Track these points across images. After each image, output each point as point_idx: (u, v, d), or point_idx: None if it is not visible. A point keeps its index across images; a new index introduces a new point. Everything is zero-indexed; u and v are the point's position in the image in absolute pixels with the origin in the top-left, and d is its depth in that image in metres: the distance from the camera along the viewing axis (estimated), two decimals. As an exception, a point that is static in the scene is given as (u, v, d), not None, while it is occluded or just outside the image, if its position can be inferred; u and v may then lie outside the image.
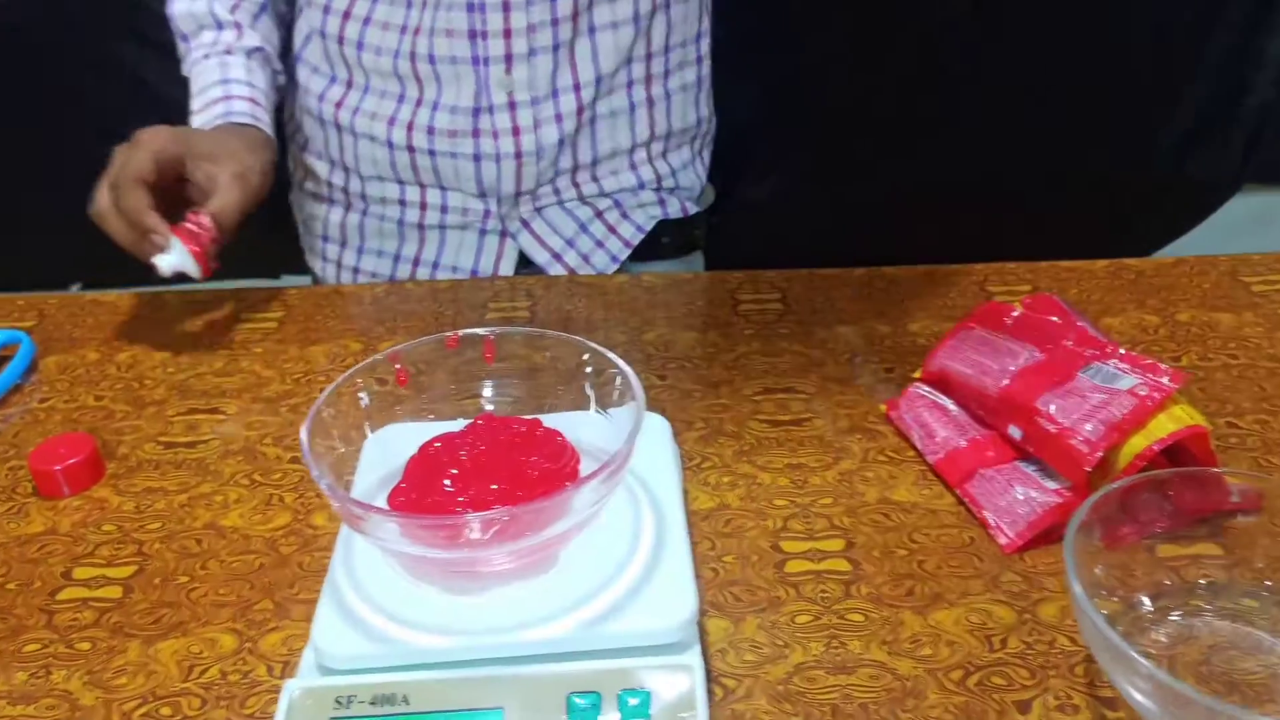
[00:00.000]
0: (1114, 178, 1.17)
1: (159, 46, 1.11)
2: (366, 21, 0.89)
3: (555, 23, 0.86)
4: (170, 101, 0.97)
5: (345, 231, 0.97)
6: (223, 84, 0.86)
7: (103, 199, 0.75)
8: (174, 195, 0.77)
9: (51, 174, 1.33)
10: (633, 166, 0.96)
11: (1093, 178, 1.18)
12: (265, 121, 0.85)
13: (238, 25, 0.89)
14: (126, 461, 0.66)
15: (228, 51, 0.88)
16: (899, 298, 0.81)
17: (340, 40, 0.90)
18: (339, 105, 0.93)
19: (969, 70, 1.11)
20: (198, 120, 0.85)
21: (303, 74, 0.95)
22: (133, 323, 0.81)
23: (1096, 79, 1.11)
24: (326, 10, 0.90)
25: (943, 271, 0.84)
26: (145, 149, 0.74)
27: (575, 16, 0.87)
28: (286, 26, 0.96)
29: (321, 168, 0.97)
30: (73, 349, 0.77)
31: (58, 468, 0.62)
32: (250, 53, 0.89)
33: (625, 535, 0.52)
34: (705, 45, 0.98)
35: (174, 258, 0.73)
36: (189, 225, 0.74)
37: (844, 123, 1.16)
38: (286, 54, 0.96)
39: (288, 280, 1.20)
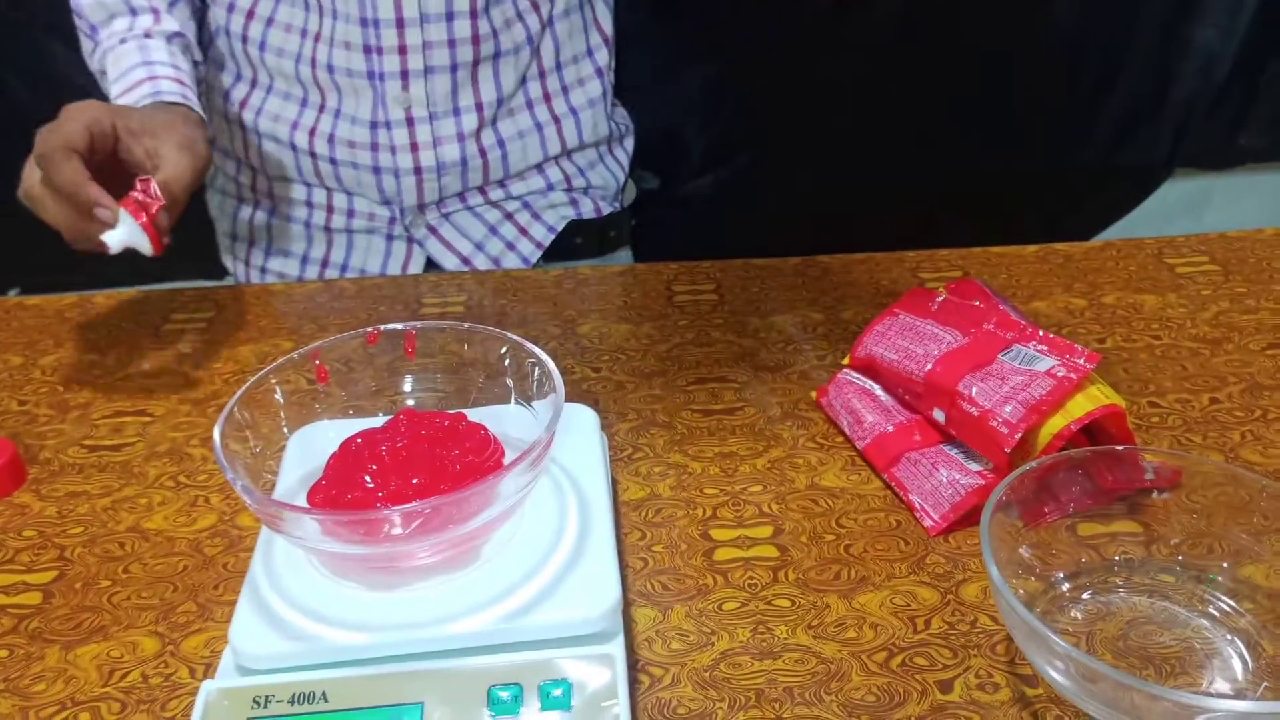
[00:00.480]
0: (1048, 168, 1.19)
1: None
2: (269, 23, 0.88)
3: (452, 44, 0.86)
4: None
5: (254, 230, 0.97)
6: (145, 65, 0.79)
7: (30, 177, 0.67)
8: (109, 174, 0.68)
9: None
10: (540, 171, 0.96)
11: (1026, 168, 1.20)
12: (196, 103, 0.79)
13: (154, 10, 0.83)
14: (49, 466, 0.64)
15: (146, 35, 0.82)
16: (832, 286, 0.81)
17: (244, 39, 0.89)
18: (243, 104, 0.92)
19: (903, 66, 1.12)
20: (121, 100, 0.77)
21: (211, 72, 0.94)
22: (59, 326, 0.79)
23: (1027, 72, 1.13)
24: (231, 9, 0.89)
25: (875, 259, 0.84)
26: (75, 119, 0.66)
27: (475, 41, 0.87)
28: (200, 19, 0.94)
29: (229, 165, 0.97)
30: (-4, 353, 0.76)
31: (-23, 474, 0.61)
32: (170, 37, 0.83)
33: (550, 527, 0.52)
34: (603, 58, 0.98)
35: (122, 233, 0.65)
36: (136, 195, 0.66)
37: (776, 120, 1.17)
38: (202, 46, 0.94)
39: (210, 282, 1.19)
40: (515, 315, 0.79)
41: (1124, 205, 1.29)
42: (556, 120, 0.94)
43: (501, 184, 0.95)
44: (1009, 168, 1.20)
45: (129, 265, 1.37)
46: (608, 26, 0.98)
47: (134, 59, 0.80)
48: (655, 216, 1.09)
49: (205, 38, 0.95)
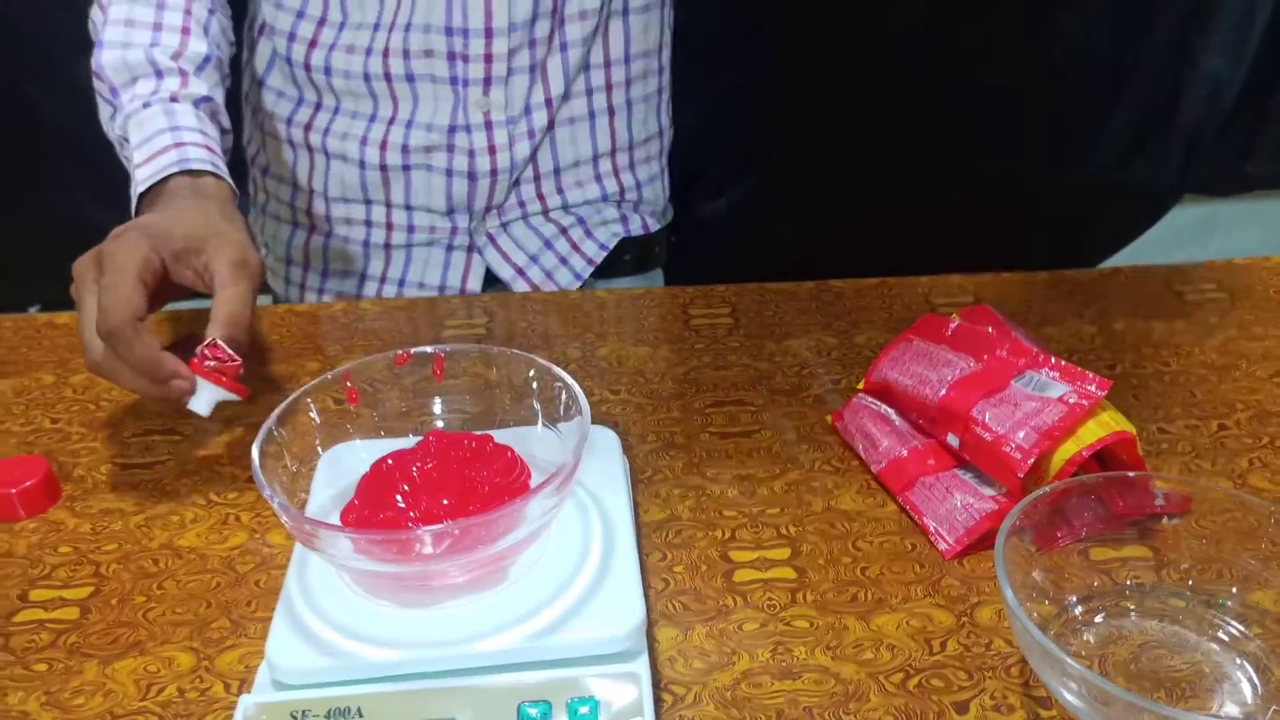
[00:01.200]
0: (1057, 192, 1.20)
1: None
2: (332, 48, 0.89)
3: (533, 44, 0.87)
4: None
5: (309, 254, 0.98)
6: (171, 131, 0.74)
7: (98, 353, 0.62)
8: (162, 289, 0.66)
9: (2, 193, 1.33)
10: (597, 178, 0.98)
11: (1037, 192, 1.22)
12: (225, 172, 0.74)
13: (182, 72, 0.79)
14: (83, 484, 0.66)
15: (173, 99, 0.77)
16: (846, 310, 0.83)
17: (307, 67, 0.90)
18: (308, 128, 0.93)
19: (915, 90, 1.14)
20: (144, 173, 0.72)
21: (268, 99, 0.95)
22: (88, 344, 0.81)
23: (1036, 96, 1.15)
24: (291, 38, 0.89)
25: (889, 284, 0.86)
26: (127, 276, 0.61)
27: (550, 37, 0.88)
28: (233, 75, 0.92)
29: (284, 191, 0.97)
30: (28, 371, 0.78)
31: (13, 491, 0.63)
32: (198, 102, 0.78)
33: (575, 548, 0.53)
34: (666, 56, 0.99)
35: (206, 397, 0.63)
36: (209, 362, 0.62)
37: (795, 138, 1.18)
38: (230, 105, 0.94)
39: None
40: (537, 336, 0.81)
41: (1132, 230, 1.31)
42: (611, 111, 0.96)
43: (558, 188, 0.96)
44: (1017, 192, 1.21)
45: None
46: (669, 25, 0.99)
47: (159, 124, 0.75)
48: (678, 235, 1.11)
49: (257, 70, 0.96)
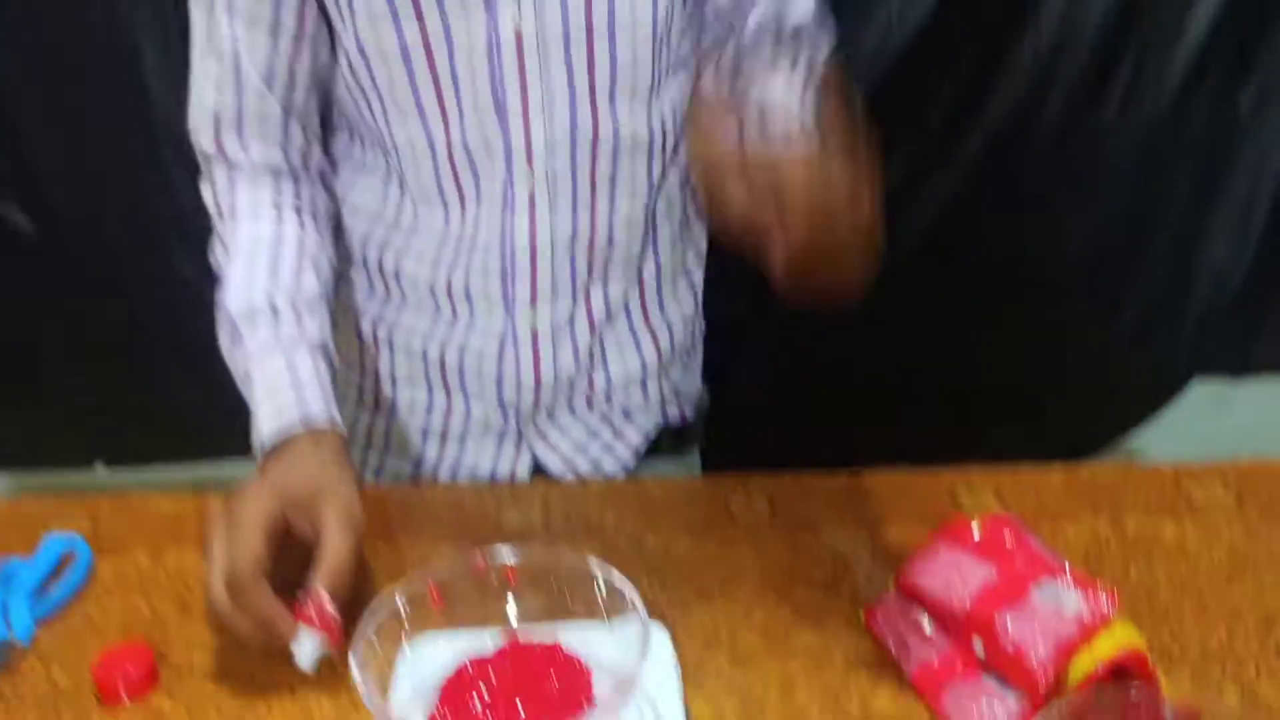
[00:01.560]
0: (1072, 376, 1.27)
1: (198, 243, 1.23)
2: (404, 252, 0.96)
3: (573, 270, 0.95)
4: (205, 304, 1.05)
5: (371, 435, 1.05)
6: (294, 387, 0.83)
7: (221, 599, 0.69)
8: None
9: (77, 352, 1.43)
10: (642, 384, 1.04)
11: (1053, 376, 1.29)
12: (339, 419, 0.83)
13: (297, 313, 0.87)
14: (179, 669, 0.72)
15: (293, 346, 0.86)
16: (877, 503, 0.89)
17: (380, 267, 0.98)
18: (378, 321, 1.01)
19: (937, 280, 1.23)
20: (267, 420, 0.81)
21: (342, 291, 1.02)
22: (178, 525, 0.88)
23: (1049, 287, 1.24)
24: (366, 241, 0.98)
25: (915, 480, 0.92)
26: (251, 530, 0.70)
27: (590, 268, 0.95)
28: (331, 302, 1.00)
29: (352, 375, 1.05)
30: (125, 553, 0.85)
31: (118, 678, 0.69)
32: (314, 349, 0.86)
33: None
34: (697, 277, 1.07)
35: (309, 649, 0.68)
36: (311, 614, 0.68)
37: (810, 331, 1.26)
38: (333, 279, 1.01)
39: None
40: (590, 527, 0.87)
41: (1145, 412, 1.37)
42: (652, 332, 1.03)
43: (607, 397, 1.03)
44: (1036, 376, 1.29)
45: (211, 442, 1.47)
46: (703, 245, 1.06)
47: (283, 378, 0.83)
48: (712, 417, 1.18)
49: (339, 269, 1.01)
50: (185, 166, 1.20)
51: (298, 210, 0.93)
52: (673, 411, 1.09)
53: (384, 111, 0.89)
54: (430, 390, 1.03)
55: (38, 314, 1.35)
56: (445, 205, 0.93)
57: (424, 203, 0.94)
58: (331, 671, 0.71)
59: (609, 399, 1.04)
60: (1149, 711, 0.61)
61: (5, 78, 1.18)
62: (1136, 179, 1.31)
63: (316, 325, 0.88)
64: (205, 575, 0.70)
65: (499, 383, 0.99)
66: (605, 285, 0.98)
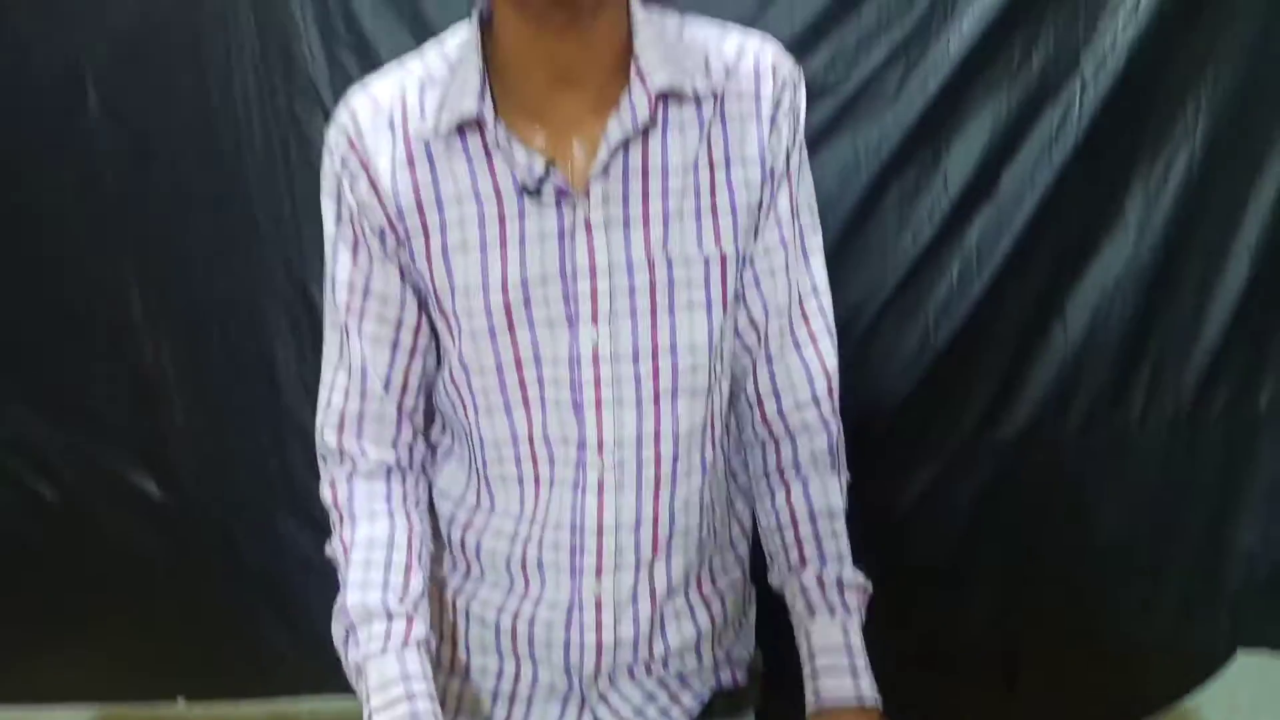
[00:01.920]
0: (1117, 648, 1.31)
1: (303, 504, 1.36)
2: (483, 531, 1.06)
3: (637, 546, 1.02)
4: (301, 558, 1.15)
5: (446, 695, 1.10)
6: (403, 680, 0.93)
7: None
8: None
9: (177, 595, 1.54)
10: (697, 652, 1.09)
11: (1097, 648, 1.33)
12: (440, 714, 0.93)
13: (409, 618, 0.97)
14: None
15: (404, 645, 0.96)
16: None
17: (462, 545, 1.07)
18: (458, 592, 1.09)
19: (979, 568, 1.30)
20: (381, 715, 0.92)
21: (431, 565, 1.08)
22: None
23: (1084, 579, 1.30)
24: (451, 522, 1.08)
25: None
26: None
27: (654, 546, 1.03)
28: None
29: (433, 642, 1.08)
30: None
31: None
32: (420, 645, 0.97)
33: None
34: (743, 548, 1.14)
35: None
36: None
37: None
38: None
39: None
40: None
41: (1190, 685, 1.39)
42: (706, 601, 1.09)
43: (664, 663, 1.08)
44: (1082, 647, 1.33)
45: (289, 679, 1.56)
46: (747, 522, 1.14)
47: (394, 671, 0.94)
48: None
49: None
50: (303, 448, 1.37)
51: (405, 505, 1.04)
52: (725, 676, 1.13)
53: (475, 411, 1.01)
54: (501, 657, 1.09)
55: (153, 564, 1.48)
56: (522, 487, 1.03)
57: (502, 487, 1.04)
58: None
59: (665, 664, 1.09)
60: None
61: (154, 366, 1.37)
62: (1162, 472, 1.39)
63: (424, 625, 0.98)
64: None
65: (565, 648, 1.05)
66: (667, 560, 1.05)
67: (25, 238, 1.38)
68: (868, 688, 0.98)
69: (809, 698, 0.99)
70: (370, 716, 0.90)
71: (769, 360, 1.09)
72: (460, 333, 0.99)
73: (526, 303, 0.97)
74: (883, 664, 1.45)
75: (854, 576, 1.05)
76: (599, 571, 1.04)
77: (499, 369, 0.99)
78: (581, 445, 1.00)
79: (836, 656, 1.01)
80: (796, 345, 1.09)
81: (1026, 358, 1.37)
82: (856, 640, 1.02)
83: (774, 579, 1.08)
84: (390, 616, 0.97)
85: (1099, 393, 1.36)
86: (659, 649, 1.09)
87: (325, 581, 1.12)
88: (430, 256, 0.98)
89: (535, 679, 1.09)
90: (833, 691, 0.98)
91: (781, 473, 1.10)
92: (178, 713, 1.66)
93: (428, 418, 1.10)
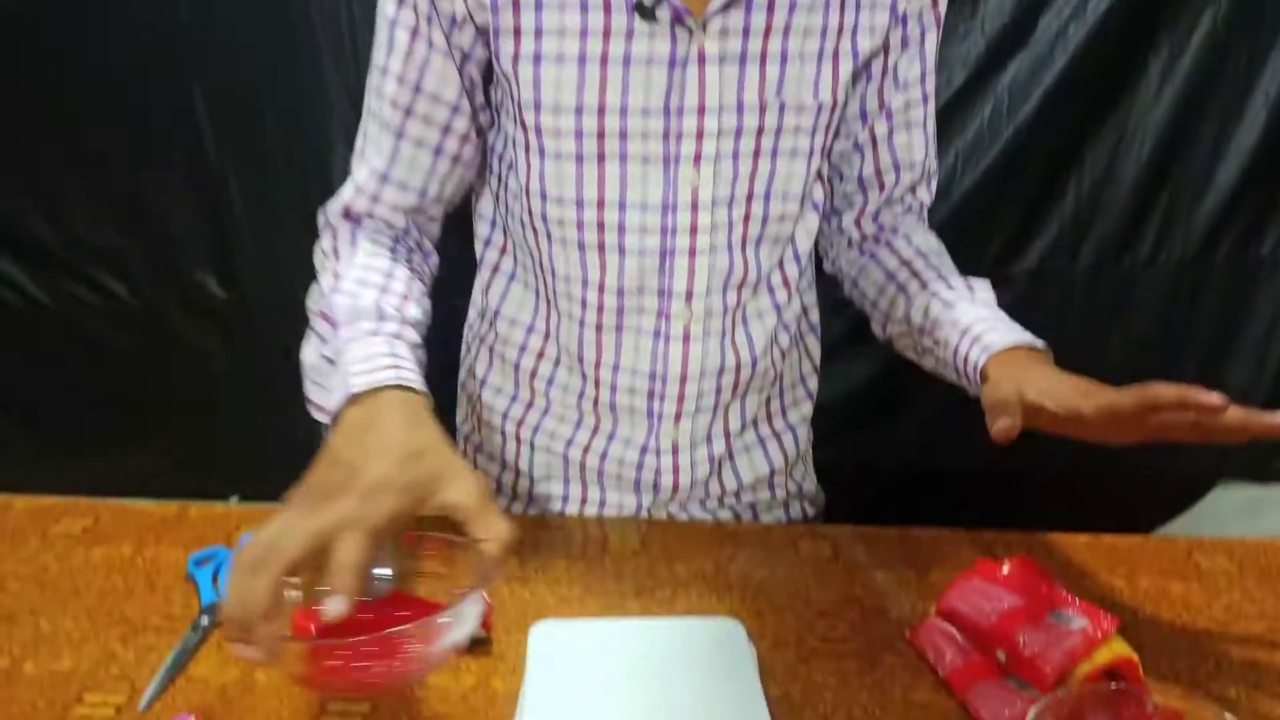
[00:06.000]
0: (1108, 475, 1.41)
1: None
2: (557, 363, 1.07)
3: (719, 390, 1.06)
4: None
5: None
6: (392, 356, 0.82)
7: (270, 533, 0.67)
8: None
9: (249, 401, 1.64)
10: (770, 487, 1.16)
11: (1090, 473, 1.43)
12: (429, 393, 0.82)
13: (402, 322, 0.88)
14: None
15: (396, 337, 0.85)
16: (923, 553, 1.05)
17: (532, 375, 1.08)
18: (520, 423, 1.11)
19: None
20: (360, 377, 0.79)
21: (486, 395, 1.12)
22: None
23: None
24: (522, 349, 1.07)
25: (958, 535, 1.08)
26: (375, 526, 0.67)
27: (735, 386, 1.07)
28: (451, 369, 1.13)
29: (493, 468, 1.15)
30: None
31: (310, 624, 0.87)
32: (413, 347, 0.87)
33: (726, 703, 0.75)
34: (813, 383, 1.19)
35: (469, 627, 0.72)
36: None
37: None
38: (447, 389, 1.13)
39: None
40: (678, 553, 1.04)
41: (1173, 510, 1.51)
42: (777, 435, 1.14)
43: (737, 495, 1.14)
44: (1069, 474, 1.43)
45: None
46: (817, 356, 1.19)
47: (382, 349, 0.83)
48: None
49: (477, 370, 1.11)
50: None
51: (410, 265, 0.97)
52: (795, 509, 1.21)
53: (549, 241, 0.99)
54: (568, 483, 1.13)
55: (219, 366, 1.58)
56: (600, 334, 1.03)
57: (575, 326, 1.03)
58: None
59: (738, 497, 1.16)
60: (1135, 705, 0.76)
61: (218, 171, 1.44)
62: (1166, 312, 1.48)
63: (417, 337, 0.88)
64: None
65: (637, 484, 1.10)
66: (743, 400, 1.10)
67: (98, 57, 1.43)
68: (1033, 339, 0.95)
69: (974, 358, 0.94)
70: (346, 380, 0.79)
71: (885, 201, 1.10)
72: (543, 154, 0.93)
73: (623, 134, 0.91)
74: (888, 480, 1.59)
75: (979, 279, 1.05)
76: (678, 417, 1.06)
77: (579, 204, 0.94)
78: (666, 294, 0.99)
79: (991, 321, 0.97)
80: (914, 190, 1.10)
81: (1045, 200, 1.45)
82: (1004, 316, 0.99)
83: (889, 328, 1.09)
84: (382, 317, 0.86)
85: (1110, 235, 1.44)
86: (731, 483, 1.13)
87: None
88: (518, 60, 0.90)
89: (603, 502, 1.12)
90: (1000, 342, 0.94)
91: (880, 240, 1.11)
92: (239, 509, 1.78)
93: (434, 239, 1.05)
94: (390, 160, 0.96)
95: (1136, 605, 0.97)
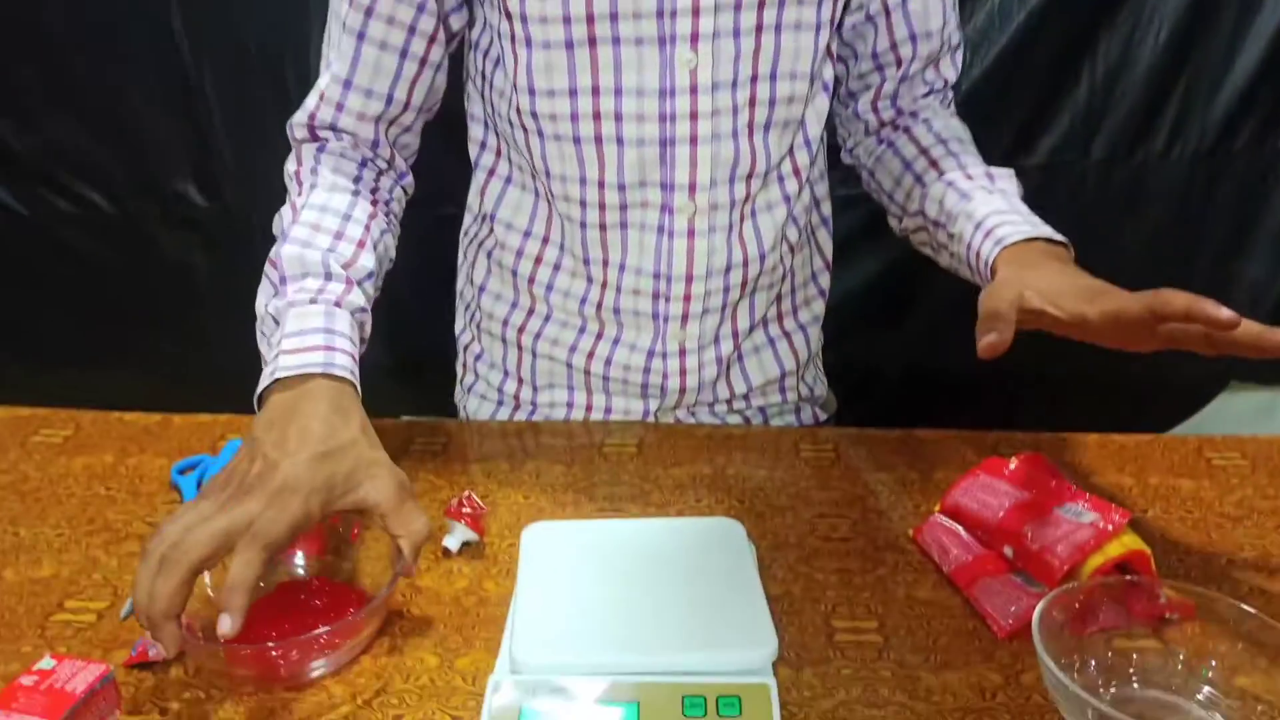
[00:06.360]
0: (1105, 378, 1.38)
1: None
2: (557, 268, 1.03)
3: (726, 290, 1.02)
4: None
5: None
6: (326, 333, 0.80)
7: (175, 530, 0.67)
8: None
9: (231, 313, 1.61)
10: (781, 390, 1.13)
11: (1101, 375, 1.40)
12: (357, 380, 0.80)
13: (348, 281, 0.85)
14: (343, 537, 0.88)
15: (337, 304, 0.83)
16: (927, 454, 1.02)
17: (531, 280, 1.04)
18: (521, 330, 1.07)
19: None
20: (290, 360, 0.77)
21: (486, 301, 1.08)
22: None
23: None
24: (519, 255, 1.03)
25: (963, 435, 1.05)
26: (293, 519, 0.68)
27: (743, 284, 1.02)
28: (450, 276, 1.10)
29: (495, 376, 1.12)
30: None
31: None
32: (355, 312, 0.84)
33: (724, 600, 0.73)
34: (824, 280, 1.14)
35: (459, 535, 0.85)
36: (466, 510, 0.86)
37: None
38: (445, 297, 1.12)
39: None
40: (676, 457, 1.02)
41: (1181, 414, 1.48)
42: (788, 335, 1.10)
43: (746, 398, 1.10)
44: (1077, 377, 1.40)
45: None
46: (829, 251, 1.13)
47: (317, 322, 0.80)
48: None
49: (476, 274, 1.07)
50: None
51: (374, 196, 0.94)
52: (806, 413, 1.17)
53: (541, 139, 0.94)
54: (572, 390, 1.09)
55: (200, 275, 1.53)
56: (604, 233, 0.98)
57: (574, 228, 0.99)
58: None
59: (748, 400, 1.12)
60: (1147, 597, 0.74)
61: (195, 75, 1.38)
62: (1181, 204, 1.43)
63: (363, 299, 0.86)
64: (179, 510, 0.70)
65: (644, 388, 1.07)
66: (752, 298, 1.05)
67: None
68: (1052, 232, 0.88)
69: (986, 253, 0.88)
70: (275, 358, 0.78)
71: (903, 79, 1.03)
72: (530, 43, 0.89)
73: (614, 15, 0.86)
74: (897, 385, 1.56)
75: (1001, 169, 0.99)
76: (684, 319, 1.02)
77: (572, 94, 0.90)
78: (669, 188, 0.94)
79: (1009, 216, 0.90)
80: (936, 66, 1.03)
81: (1057, 90, 1.38)
82: (1024, 208, 0.92)
83: (904, 222, 1.04)
84: (328, 276, 0.85)
85: (1124, 126, 1.38)
86: (740, 386, 1.10)
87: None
88: None
89: (608, 409, 1.09)
90: (1012, 235, 0.87)
91: (899, 126, 1.05)
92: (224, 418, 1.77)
93: (414, 153, 1.01)
94: (352, 65, 0.92)
95: (1147, 502, 0.94)
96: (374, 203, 0.94)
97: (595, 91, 0.90)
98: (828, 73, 0.99)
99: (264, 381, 0.78)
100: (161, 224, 1.48)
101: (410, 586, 0.82)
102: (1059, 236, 0.88)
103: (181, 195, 1.46)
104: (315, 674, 0.71)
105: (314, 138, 0.95)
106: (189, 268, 1.50)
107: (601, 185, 0.95)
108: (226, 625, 0.64)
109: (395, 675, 0.72)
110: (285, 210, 0.92)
